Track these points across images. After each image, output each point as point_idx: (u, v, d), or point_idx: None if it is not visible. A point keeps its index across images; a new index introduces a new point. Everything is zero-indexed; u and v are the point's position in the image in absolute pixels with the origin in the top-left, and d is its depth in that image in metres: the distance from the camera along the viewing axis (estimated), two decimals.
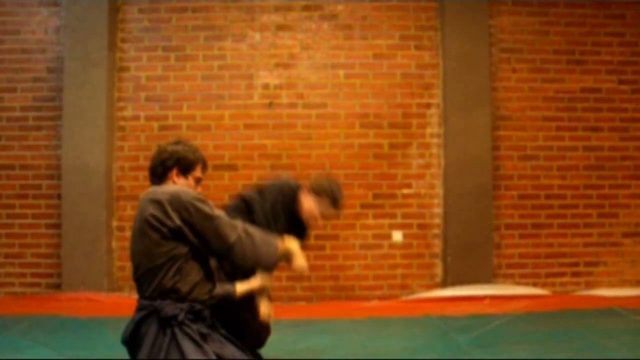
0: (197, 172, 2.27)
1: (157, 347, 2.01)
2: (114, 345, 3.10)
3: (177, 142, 2.27)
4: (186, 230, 2.04)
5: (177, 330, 2.02)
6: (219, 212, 2.10)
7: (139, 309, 2.07)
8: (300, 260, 2.21)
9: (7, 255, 4.76)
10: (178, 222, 2.03)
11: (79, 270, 4.57)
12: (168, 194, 2.07)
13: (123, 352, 2.94)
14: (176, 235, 2.04)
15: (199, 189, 2.23)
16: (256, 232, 2.14)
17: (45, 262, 4.74)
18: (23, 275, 4.75)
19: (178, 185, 2.19)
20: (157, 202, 2.04)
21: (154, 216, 2.03)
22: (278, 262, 2.18)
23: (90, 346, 3.07)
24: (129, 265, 4.67)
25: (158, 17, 4.84)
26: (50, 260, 4.73)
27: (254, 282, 2.53)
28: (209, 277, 2.17)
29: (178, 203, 2.04)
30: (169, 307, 2.03)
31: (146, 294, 2.06)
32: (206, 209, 2.06)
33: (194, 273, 2.10)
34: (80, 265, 4.58)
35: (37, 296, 4.60)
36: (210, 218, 2.06)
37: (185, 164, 2.23)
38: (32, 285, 4.74)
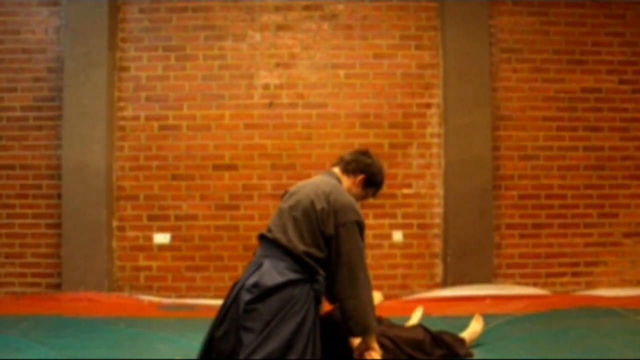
0: (370, 192, 2.59)
1: (313, 313, 2.21)
2: (114, 346, 3.10)
3: (380, 163, 2.63)
4: (333, 240, 2.24)
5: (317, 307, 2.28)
6: (363, 246, 2.30)
7: (292, 270, 2.21)
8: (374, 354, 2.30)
9: (7, 255, 4.76)
10: (332, 231, 2.24)
11: (79, 270, 4.58)
12: (341, 203, 2.29)
13: (123, 352, 2.95)
14: (327, 238, 2.25)
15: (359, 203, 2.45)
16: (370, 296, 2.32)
17: (45, 262, 4.74)
18: (23, 275, 4.76)
19: (353, 192, 2.48)
20: (328, 203, 2.27)
21: (316, 211, 2.26)
22: (365, 332, 2.28)
23: (90, 346, 3.06)
24: (129, 265, 4.73)
25: (158, 17, 4.85)
26: (50, 260, 4.73)
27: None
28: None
29: (343, 217, 2.25)
30: (321, 285, 2.26)
31: (297, 252, 2.23)
32: (358, 236, 2.27)
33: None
34: (80, 265, 4.58)
35: (37, 296, 4.59)
36: (355, 244, 2.25)
37: (372, 181, 2.56)
38: (32, 285, 4.74)
